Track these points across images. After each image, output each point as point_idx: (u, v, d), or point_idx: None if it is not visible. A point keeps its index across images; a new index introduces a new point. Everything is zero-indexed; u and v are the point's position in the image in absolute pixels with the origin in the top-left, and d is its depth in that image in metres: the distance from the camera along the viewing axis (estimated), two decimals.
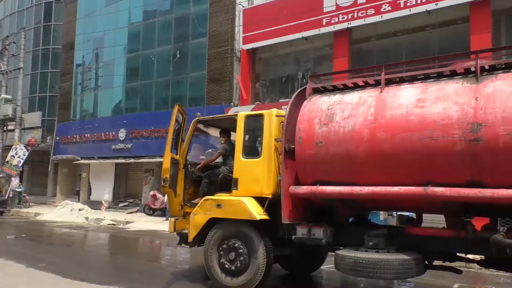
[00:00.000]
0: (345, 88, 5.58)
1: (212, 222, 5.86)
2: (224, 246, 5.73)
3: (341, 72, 7.27)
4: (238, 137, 5.99)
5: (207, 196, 6.01)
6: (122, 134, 20.40)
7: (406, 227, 5.16)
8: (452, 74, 4.87)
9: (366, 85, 5.42)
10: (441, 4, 12.06)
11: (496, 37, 11.80)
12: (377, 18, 13.20)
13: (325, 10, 14.22)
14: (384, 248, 4.85)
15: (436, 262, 5.26)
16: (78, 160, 22.30)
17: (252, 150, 5.93)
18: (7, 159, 21.83)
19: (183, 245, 6.33)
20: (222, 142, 6.56)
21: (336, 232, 5.32)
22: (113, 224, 15.10)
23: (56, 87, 26.87)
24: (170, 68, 19.52)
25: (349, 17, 13.70)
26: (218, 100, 17.01)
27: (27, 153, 21.85)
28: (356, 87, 5.51)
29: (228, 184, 6.01)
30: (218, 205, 5.77)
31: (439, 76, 4.97)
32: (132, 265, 7.59)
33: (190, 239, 6.05)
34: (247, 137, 5.99)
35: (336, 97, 5.43)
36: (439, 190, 4.37)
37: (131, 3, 21.59)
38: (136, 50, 21.31)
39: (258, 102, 15.66)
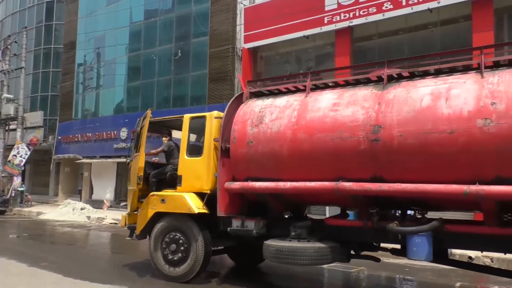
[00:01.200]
0: (279, 93, 6.07)
1: (158, 216, 6.35)
2: (167, 238, 6.24)
3: (274, 77, 8.02)
4: (183, 137, 6.45)
5: (153, 192, 6.49)
6: (123, 133, 20.40)
7: (325, 219, 5.74)
8: (368, 81, 5.39)
9: (297, 90, 5.91)
10: (443, 2, 12.02)
11: (499, 35, 11.75)
12: (378, 17, 13.17)
13: (326, 8, 14.19)
14: (306, 238, 5.37)
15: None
16: (79, 159, 22.34)
17: (195, 149, 6.39)
18: (9, 159, 21.88)
19: (134, 238, 6.77)
20: (165, 141, 7.07)
21: (269, 224, 5.83)
22: (115, 223, 15.11)
23: (58, 87, 26.90)
24: (172, 67, 19.52)
25: (351, 16, 13.67)
26: (220, 99, 17.00)
27: (29, 153, 21.89)
28: (289, 91, 5.99)
29: (175, 181, 6.44)
30: (163, 200, 6.27)
31: (358, 83, 5.50)
32: (134, 264, 7.59)
33: (137, 232, 6.58)
34: (191, 137, 6.54)
35: (268, 101, 5.96)
36: (347, 184, 4.93)
37: (132, 2, 21.58)
38: (137, 49, 21.30)
39: None
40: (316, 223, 5.68)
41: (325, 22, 14.22)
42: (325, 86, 5.73)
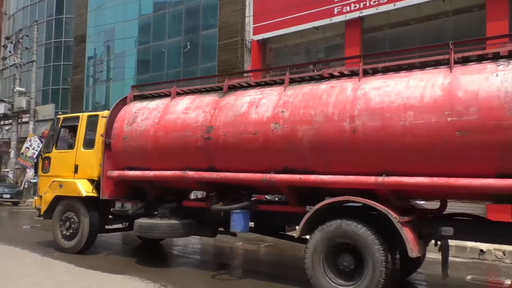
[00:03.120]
0: (158, 96, 7.18)
1: (58, 199, 7.53)
2: (63, 217, 7.49)
3: (153, 83, 9.06)
4: (81, 132, 7.63)
5: (54, 179, 7.59)
6: None
7: (183, 201, 6.78)
8: (220, 89, 6.38)
9: (170, 95, 6.89)
10: None
11: None
12: (389, 6, 12.96)
13: None
14: (169, 216, 6.57)
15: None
16: None
17: (89, 143, 7.53)
18: (22, 151, 22.17)
19: (42, 218, 8.02)
20: (69, 137, 8.04)
21: (147, 206, 7.05)
22: None
23: (69, 80, 27.13)
24: (181, 60, 19.54)
25: (361, 6, 13.48)
26: None
27: (41, 145, 22.11)
28: (164, 95, 7.04)
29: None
30: (60, 186, 7.45)
31: (212, 90, 6.55)
32: (145, 254, 7.68)
33: (41, 212, 7.82)
34: (87, 132, 7.61)
35: (144, 103, 7.07)
36: (191, 173, 6.11)
37: None
38: (146, 42, 21.35)
39: None
40: (179, 204, 6.76)
41: (335, 12, 14.06)
42: (190, 92, 6.81)
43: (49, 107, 27.03)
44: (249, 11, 16.64)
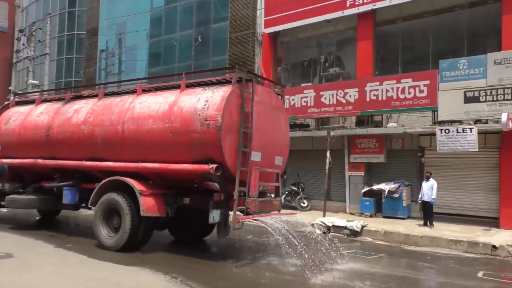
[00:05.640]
0: (30, 102, 9.55)
1: None
2: None
3: (32, 92, 11.66)
4: None
5: None
6: None
7: (41, 182, 8.75)
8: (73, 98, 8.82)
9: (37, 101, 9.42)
10: None
11: None
12: None
13: None
14: (32, 193, 8.78)
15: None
16: None
17: None
18: None
19: None
20: None
21: (24, 186, 9.08)
22: None
23: (81, 72, 27.33)
24: (192, 53, 19.53)
25: None
26: None
27: None
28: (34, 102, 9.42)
29: None
30: None
31: (63, 99, 8.91)
32: (155, 247, 7.74)
33: None
34: None
35: (19, 108, 9.50)
36: (40, 161, 8.48)
37: None
38: (158, 35, 21.37)
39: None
40: (40, 184, 8.79)
41: (347, 5, 13.91)
42: (53, 100, 9.12)
43: None
44: (260, 4, 16.53)
